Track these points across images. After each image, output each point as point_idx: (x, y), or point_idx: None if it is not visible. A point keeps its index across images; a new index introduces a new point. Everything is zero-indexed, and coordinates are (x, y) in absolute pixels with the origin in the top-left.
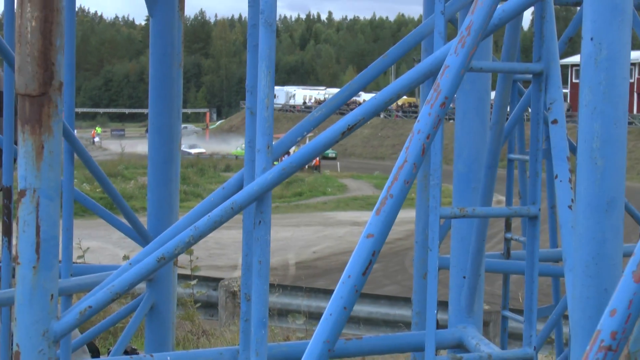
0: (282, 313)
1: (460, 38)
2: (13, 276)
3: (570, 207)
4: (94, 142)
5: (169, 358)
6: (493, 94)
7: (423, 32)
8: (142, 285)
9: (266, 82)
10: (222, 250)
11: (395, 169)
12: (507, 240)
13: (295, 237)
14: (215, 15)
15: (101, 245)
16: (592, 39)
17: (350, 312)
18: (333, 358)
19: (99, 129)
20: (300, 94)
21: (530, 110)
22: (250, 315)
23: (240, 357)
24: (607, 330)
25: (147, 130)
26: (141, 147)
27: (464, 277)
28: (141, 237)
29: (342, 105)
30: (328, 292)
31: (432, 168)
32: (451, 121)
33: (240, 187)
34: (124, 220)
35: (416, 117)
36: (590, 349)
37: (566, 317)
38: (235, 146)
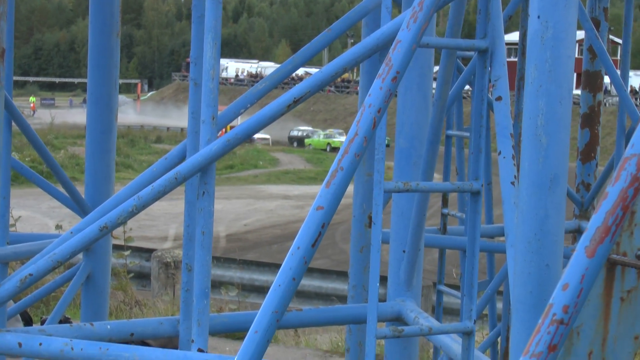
0: (215, 285)
1: (413, 13)
2: None
3: (513, 183)
4: (34, 114)
5: (109, 327)
6: (435, 70)
7: (367, 7)
8: (77, 255)
9: (212, 54)
10: (152, 221)
11: (346, 142)
12: (444, 216)
13: (226, 209)
14: None
15: (30, 215)
16: (538, 17)
17: (298, 284)
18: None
19: (32, 99)
20: (233, 67)
21: (471, 87)
22: (191, 286)
23: (181, 326)
24: (559, 304)
25: (84, 100)
26: (71, 117)
27: (404, 251)
28: (79, 206)
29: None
30: (261, 265)
31: (377, 142)
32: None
33: (182, 158)
34: (62, 190)
35: (348, 93)
36: (542, 322)
37: (500, 293)
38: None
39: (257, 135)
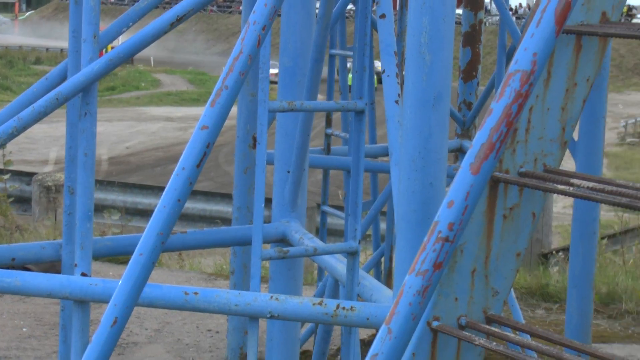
0: (98, 209)
1: None
2: None
3: (397, 102)
4: None
5: None
6: None
7: None
8: None
9: None
10: (33, 144)
11: (231, 60)
12: (328, 136)
13: (108, 132)
14: None
15: None
16: None
17: (183, 205)
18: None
19: None
20: None
21: (354, 5)
22: (74, 209)
23: (64, 250)
24: (444, 222)
25: None
26: None
27: (288, 172)
28: None
29: None
30: (144, 188)
31: (261, 61)
32: None
33: (64, 78)
34: None
35: (231, 12)
36: (427, 240)
37: (383, 214)
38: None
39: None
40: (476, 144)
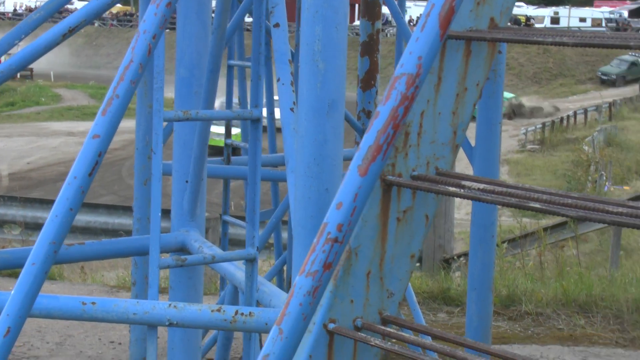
0: None
1: None
2: None
3: (292, 109)
4: None
5: None
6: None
7: None
8: None
9: None
10: None
11: (121, 69)
12: (227, 146)
13: (8, 148)
14: None
15: None
16: None
17: (76, 214)
18: (56, 264)
19: None
20: (11, 1)
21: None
22: None
23: None
24: (333, 223)
25: None
26: None
27: (187, 182)
28: None
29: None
30: (44, 202)
31: (155, 71)
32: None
33: None
34: None
35: (132, 26)
36: (317, 241)
37: (285, 222)
38: None
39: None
40: (363, 147)
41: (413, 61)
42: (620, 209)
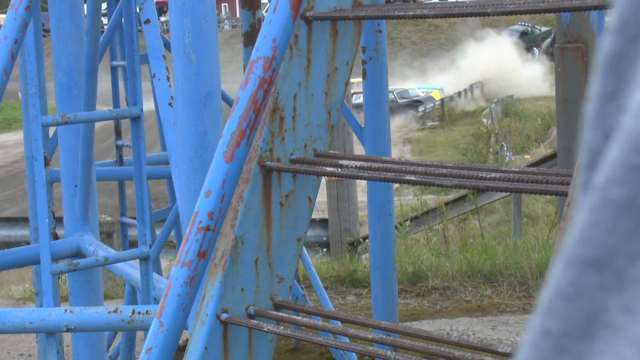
0: None
1: None
2: None
3: (170, 104)
4: None
5: None
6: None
7: None
8: None
9: None
10: None
11: None
12: (119, 148)
13: None
14: None
15: None
16: None
17: None
18: None
19: None
20: None
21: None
22: None
23: None
24: (203, 212)
25: None
26: None
27: (76, 186)
28: None
29: None
30: None
31: (29, 77)
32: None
33: None
34: None
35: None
36: (189, 231)
37: None
38: None
39: None
40: (227, 133)
41: (268, 44)
42: (493, 174)
